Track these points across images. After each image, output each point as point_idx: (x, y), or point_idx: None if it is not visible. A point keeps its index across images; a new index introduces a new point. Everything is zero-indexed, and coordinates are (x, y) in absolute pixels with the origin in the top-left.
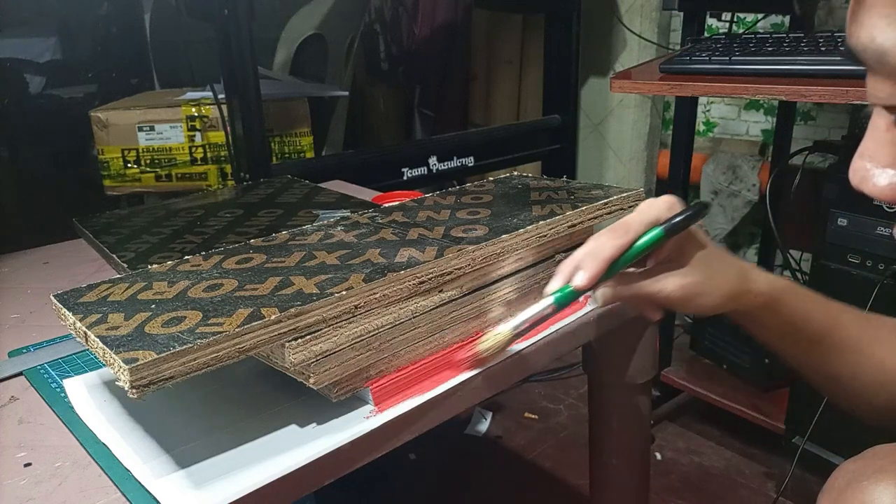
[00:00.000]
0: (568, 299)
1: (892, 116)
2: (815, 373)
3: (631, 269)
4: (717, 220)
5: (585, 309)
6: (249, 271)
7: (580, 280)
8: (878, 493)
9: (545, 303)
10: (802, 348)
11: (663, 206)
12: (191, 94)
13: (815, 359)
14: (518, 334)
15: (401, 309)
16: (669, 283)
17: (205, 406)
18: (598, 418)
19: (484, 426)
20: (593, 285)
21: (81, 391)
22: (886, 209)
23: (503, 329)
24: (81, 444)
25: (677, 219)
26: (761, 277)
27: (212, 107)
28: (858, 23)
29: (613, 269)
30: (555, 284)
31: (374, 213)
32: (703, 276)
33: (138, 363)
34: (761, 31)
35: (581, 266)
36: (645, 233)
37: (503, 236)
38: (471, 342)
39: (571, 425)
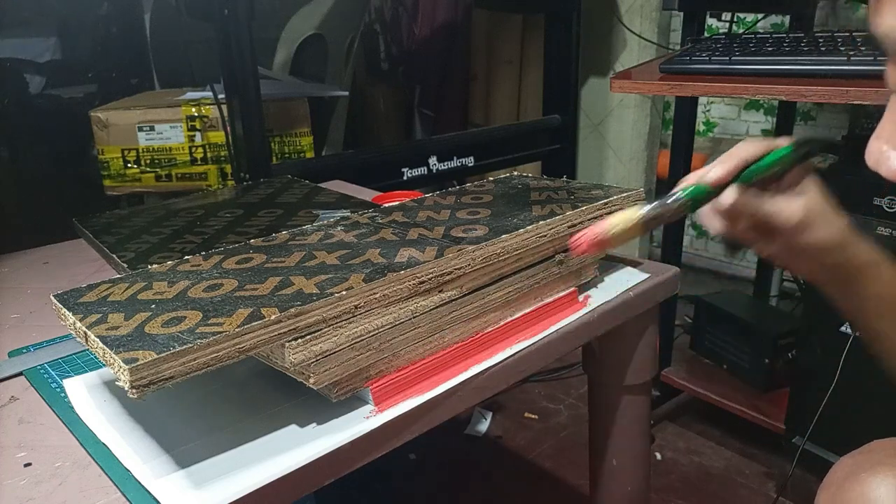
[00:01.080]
0: (701, 194)
1: None
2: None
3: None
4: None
5: (585, 309)
6: (249, 271)
7: (715, 173)
8: (876, 485)
9: (678, 195)
10: (890, 321)
11: (789, 140)
12: (191, 94)
13: None
14: (647, 223)
15: (401, 309)
16: (792, 204)
17: (205, 406)
18: (598, 418)
19: (484, 426)
20: (722, 185)
21: (81, 391)
22: (886, 209)
23: (633, 214)
24: (81, 444)
25: (812, 143)
26: (864, 242)
27: (212, 107)
28: (881, 11)
29: (746, 177)
30: (688, 181)
31: (374, 213)
32: (822, 210)
33: (138, 363)
34: (761, 31)
35: (717, 161)
36: (779, 149)
37: (503, 236)
38: (595, 227)
39: (571, 425)
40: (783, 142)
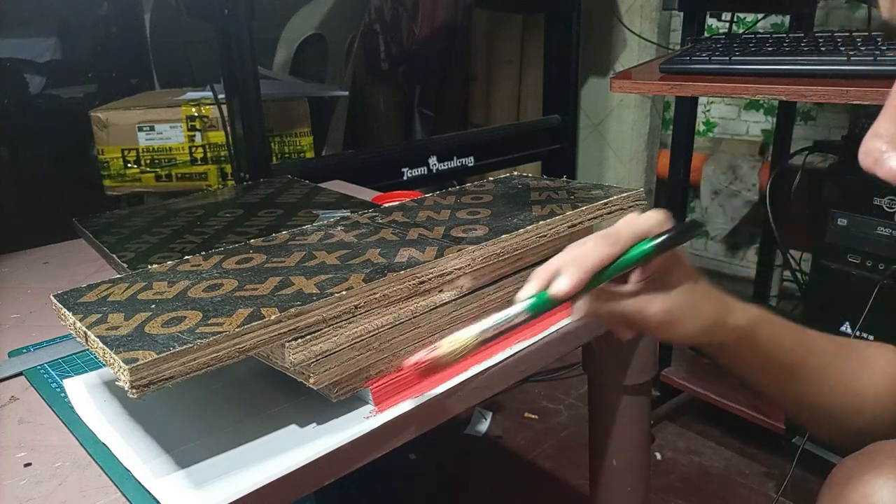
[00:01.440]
0: (544, 308)
1: None
2: (790, 402)
3: (611, 286)
4: (717, 220)
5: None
6: (249, 271)
7: (560, 287)
8: (879, 487)
9: (518, 309)
10: (778, 379)
11: (654, 219)
12: (191, 94)
13: (790, 389)
14: (485, 341)
15: (401, 309)
16: (653, 305)
17: (205, 406)
18: (598, 418)
19: (484, 426)
20: (573, 296)
21: (81, 391)
22: (886, 209)
23: (469, 332)
24: (81, 444)
25: (669, 234)
26: (739, 310)
27: (212, 107)
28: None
29: (597, 281)
30: (528, 291)
31: (374, 213)
32: (687, 303)
33: (138, 363)
34: (761, 31)
35: (563, 272)
36: (634, 246)
37: (503, 236)
38: (429, 346)
39: (571, 425)
40: (645, 223)
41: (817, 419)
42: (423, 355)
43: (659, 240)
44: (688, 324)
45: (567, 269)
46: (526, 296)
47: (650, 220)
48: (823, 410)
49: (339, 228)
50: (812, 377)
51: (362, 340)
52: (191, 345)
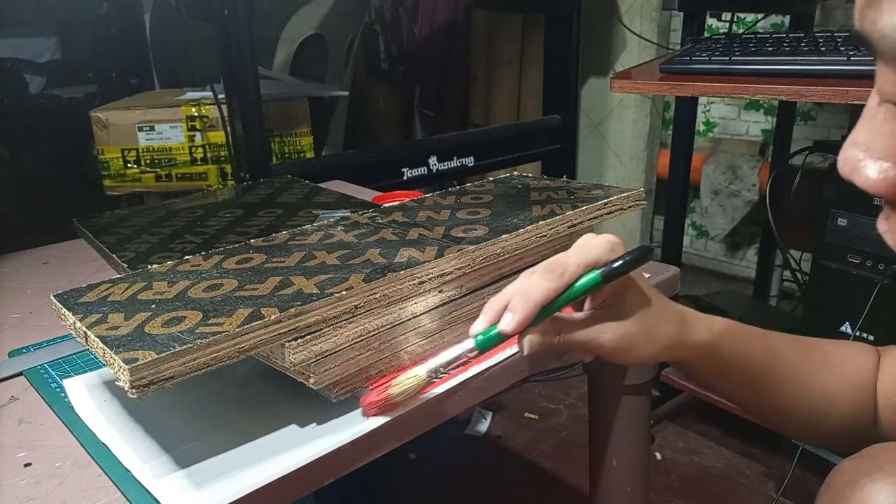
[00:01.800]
0: (492, 343)
1: (895, 108)
2: (758, 409)
3: (563, 314)
4: (717, 220)
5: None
6: (249, 271)
7: (506, 324)
8: (876, 491)
9: (466, 346)
10: (744, 388)
11: (604, 246)
12: (191, 94)
13: (757, 396)
14: (435, 377)
15: (401, 309)
16: (605, 333)
17: (205, 406)
18: (597, 418)
19: (484, 426)
20: (520, 331)
21: (81, 391)
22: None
23: (418, 371)
24: (81, 444)
25: (617, 263)
26: (700, 325)
27: (212, 107)
28: (879, 8)
29: (544, 314)
30: (479, 325)
31: (374, 213)
32: (641, 327)
33: (138, 363)
34: (761, 31)
35: (510, 308)
36: (582, 276)
37: (503, 236)
38: (382, 384)
39: (571, 425)
40: (591, 252)
41: (787, 422)
42: (374, 398)
43: (606, 268)
44: (644, 348)
45: (514, 304)
46: (476, 332)
47: (600, 248)
48: (792, 414)
49: (339, 228)
50: (779, 382)
51: (362, 340)
52: (191, 345)
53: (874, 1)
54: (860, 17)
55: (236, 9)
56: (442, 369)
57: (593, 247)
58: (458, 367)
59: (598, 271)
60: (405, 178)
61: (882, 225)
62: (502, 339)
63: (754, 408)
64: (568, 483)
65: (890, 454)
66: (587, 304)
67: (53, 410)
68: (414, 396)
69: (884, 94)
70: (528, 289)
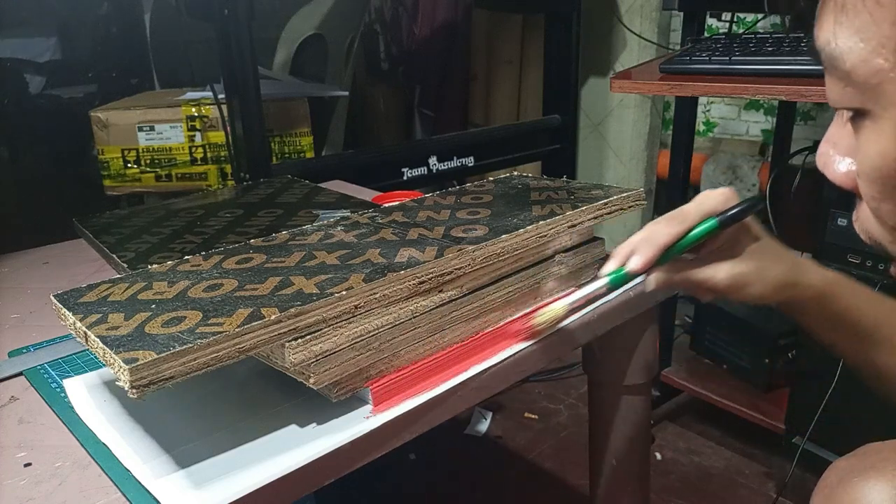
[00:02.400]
0: (621, 282)
1: (849, 112)
2: (862, 366)
3: (684, 256)
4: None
5: (585, 310)
6: (249, 271)
7: (634, 264)
8: (868, 489)
9: (600, 283)
10: (851, 342)
11: (721, 198)
12: (191, 94)
13: (863, 353)
14: (572, 311)
15: (401, 309)
16: (719, 272)
17: (205, 406)
18: (598, 418)
19: (484, 426)
20: (646, 270)
21: (81, 391)
22: None
23: (558, 305)
24: (81, 444)
25: (732, 211)
26: (813, 271)
27: (212, 107)
28: (819, 24)
29: (667, 256)
30: (610, 266)
31: (374, 213)
32: (754, 267)
33: (138, 363)
34: (761, 31)
35: (637, 250)
36: (700, 223)
37: (503, 236)
38: (527, 315)
39: (571, 425)
40: (711, 203)
41: (886, 386)
42: (519, 326)
43: (721, 216)
44: (756, 286)
45: (640, 247)
46: (607, 272)
47: (717, 199)
48: (893, 378)
49: (339, 228)
50: (885, 344)
51: (362, 340)
52: (191, 345)
53: (818, 17)
54: (814, 30)
55: (236, 9)
56: (578, 304)
57: (711, 198)
58: (591, 302)
59: (715, 219)
60: (405, 178)
61: (853, 216)
62: (629, 277)
63: (857, 364)
64: (568, 483)
65: (884, 453)
66: (704, 250)
67: (53, 410)
68: (552, 327)
69: (830, 101)
70: (653, 234)
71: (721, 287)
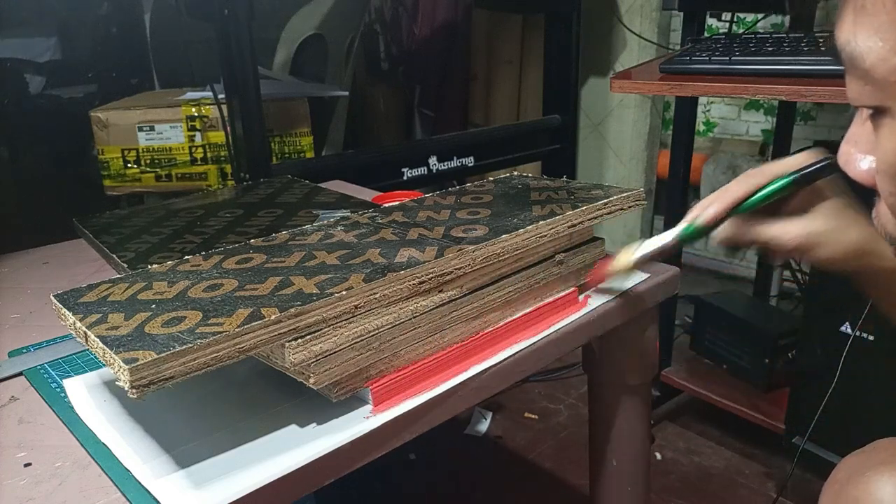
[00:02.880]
0: (691, 236)
1: (869, 110)
2: None
3: (757, 214)
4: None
5: (585, 309)
6: (249, 271)
7: (704, 217)
8: (882, 484)
9: (671, 236)
10: None
11: (798, 158)
12: (191, 94)
13: None
14: (642, 261)
15: (401, 309)
16: (789, 230)
17: (205, 406)
18: (598, 418)
19: (484, 426)
20: (715, 223)
21: (81, 391)
22: None
23: (629, 256)
24: (81, 444)
25: (808, 170)
26: None
27: (212, 107)
28: (839, 24)
29: (737, 210)
30: (683, 223)
31: (374, 213)
32: (827, 228)
33: (138, 363)
34: (761, 31)
35: (710, 204)
36: (775, 180)
37: (503, 236)
38: (602, 263)
39: (571, 425)
40: (791, 163)
41: None
42: (596, 275)
43: (795, 175)
44: (828, 248)
45: (713, 201)
46: (680, 227)
47: (799, 158)
48: None
49: (339, 228)
50: None
51: (362, 340)
52: (191, 345)
53: (839, 16)
54: (836, 29)
55: (236, 9)
56: (649, 256)
57: (788, 159)
58: (661, 255)
59: (789, 177)
60: (405, 178)
61: (873, 213)
62: (699, 232)
63: None
64: (568, 483)
65: (893, 448)
66: (777, 209)
67: (53, 410)
68: (624, 274)
69: (850, 99)
70: (726, 190)
71: (790, 246)
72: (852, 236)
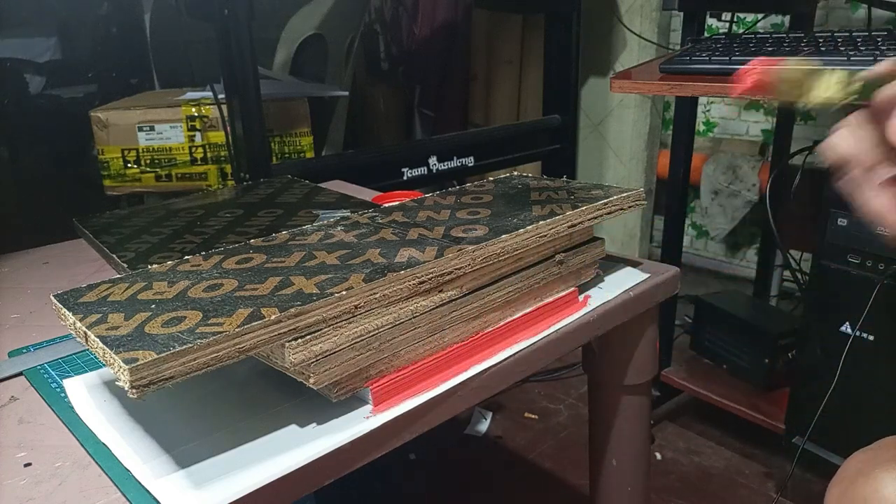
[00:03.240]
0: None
1: None
2: None
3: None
4: (717, 220)
5: (586, 309)
6: (249, 271)
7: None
8: (889, 481)
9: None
10: None
11: None
12: (191, 94)
13: None
14: (811, 77)
15: (401, 309)
16: None
17: (205, 406)
18: (598, 418)
19: (484, 426)
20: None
21: (81, 391)
22: None
23: (799, 69)
24: (81, 444)
25: None
26: None
27: (212, 107)
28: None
29: None
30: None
31: (374, 213)
32: None
33: (138, 363)
34: (761, 31)
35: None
36: None
37: (503, 236)
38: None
39: (571, 425)
40: None
41: None
42: (754, 73)
43: None
44: None
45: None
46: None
47: None
48: None
49: (339, 228)
50: None
51: (362, 340)
52: (191, 345)
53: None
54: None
55: (236, 9)
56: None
57: None
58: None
59: None
60: (405, 178)
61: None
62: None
63: None
64: (568, 483)
65: None
66: None
67: (53, 410)
68: (785, 88)
69: None
70: None
71: None
72: None
